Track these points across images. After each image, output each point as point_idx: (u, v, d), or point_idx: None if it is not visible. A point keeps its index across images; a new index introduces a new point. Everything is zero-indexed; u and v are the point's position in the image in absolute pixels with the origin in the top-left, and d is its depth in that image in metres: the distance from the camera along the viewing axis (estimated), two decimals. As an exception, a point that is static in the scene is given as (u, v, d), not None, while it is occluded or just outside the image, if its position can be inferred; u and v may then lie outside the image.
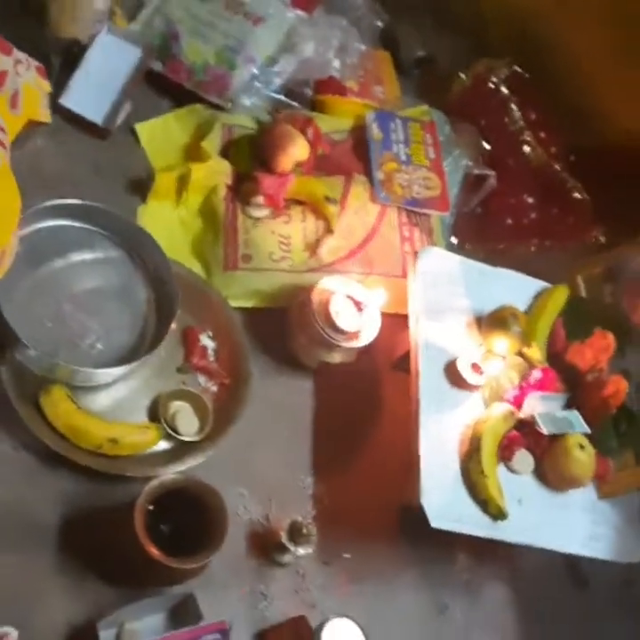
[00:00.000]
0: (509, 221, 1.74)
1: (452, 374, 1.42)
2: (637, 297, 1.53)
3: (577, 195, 1.75)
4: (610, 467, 1.43)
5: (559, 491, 1.42)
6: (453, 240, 1.67)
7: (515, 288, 1.55)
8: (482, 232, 1.72)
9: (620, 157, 1.77)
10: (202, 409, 1.39)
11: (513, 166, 1.75)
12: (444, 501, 1.33)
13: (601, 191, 1.73)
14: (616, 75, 1.72)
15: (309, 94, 1.67)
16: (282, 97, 1.65)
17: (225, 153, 1.57)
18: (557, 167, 1.76)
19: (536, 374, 1.43)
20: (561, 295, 1.54)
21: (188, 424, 1.38)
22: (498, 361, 1.43)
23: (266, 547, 1.36)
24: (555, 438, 1.40)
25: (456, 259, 1.53)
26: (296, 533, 1.33)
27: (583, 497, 1.43)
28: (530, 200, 1.74)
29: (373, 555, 1.44)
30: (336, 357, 1.48)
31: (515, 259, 1.63)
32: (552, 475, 1.41)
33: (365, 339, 1.46)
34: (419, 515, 1.32)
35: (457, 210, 1.67)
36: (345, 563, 1.40)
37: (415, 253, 1.53)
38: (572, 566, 1.52)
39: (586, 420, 1.41)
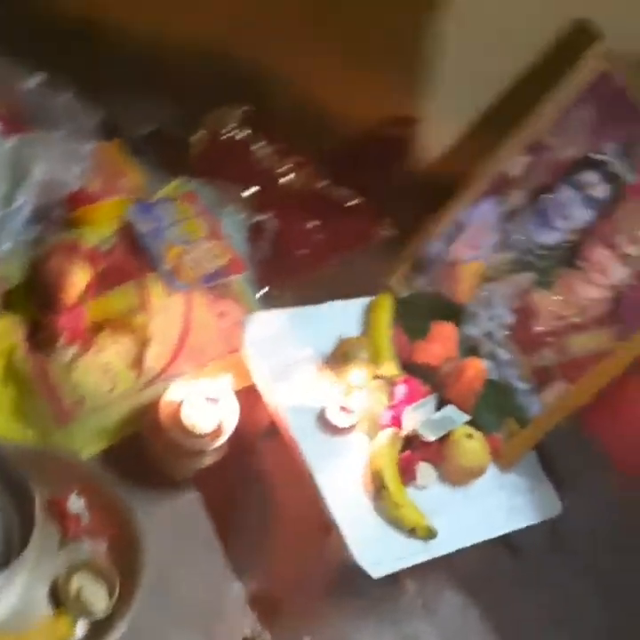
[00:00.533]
0: (301, 251, 1.75)
1: (326, 424, 1.41)
2: (451, 277, 1.57)
3: (351, 202, 1.78)
4: (500, 440, 1.46)
5: (467, 484, 1.44)
6: (262, 293, 1.66)
7: (342, 316, 1.55)
8: (283, 273, 1.71)
9: (374, 151, 1.81)
10: (103, 572, 1.31)
11: (283, 200, 1.75)
12: (374, 549, 1.32)
13: (375, 188, 1.77)
14: (346, 76, 1.75)
15: (63, 214, 1.60)
16: (38, 228, 1.56)
17: (6, 308, 1.48)
18: (322, 184, 1.78)
19: (401, 389, 1.44)
20: (385, 304, 1.56)
21: (96, 594, 1.30)
22: (361, 393, 1.43)
23: (228, 674, 1.31)
24: (443, 440, 1.42)
25: (278, 314, 1.51)
26: (252, 648, 1.29)
27: (490, 478, 1.45)
28: (311, 225, 1.75)
29: (330, 624, 1.41)
30: (208, 460, 1.43)
31: (329, 287, 1.63)
32: (454, 474, 1.43)
33: (229, 429, 1.42)
34: (354, 566, 1.31)
35: (253, 264, 1.65)
36: (309, 647, 1.37)
37: (236, 325, 1.51)
38: (503, 542, 1.54)
39: (460, 409, 1.44)
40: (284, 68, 1.80)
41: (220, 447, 1.43)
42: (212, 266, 1.60)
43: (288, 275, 1.72)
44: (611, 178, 1.47)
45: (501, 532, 1.42)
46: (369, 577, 1.31)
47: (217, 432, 1.41)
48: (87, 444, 1.43)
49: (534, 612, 1.49)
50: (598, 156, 1.48)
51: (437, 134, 1.77)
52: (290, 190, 1.77)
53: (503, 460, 1.46)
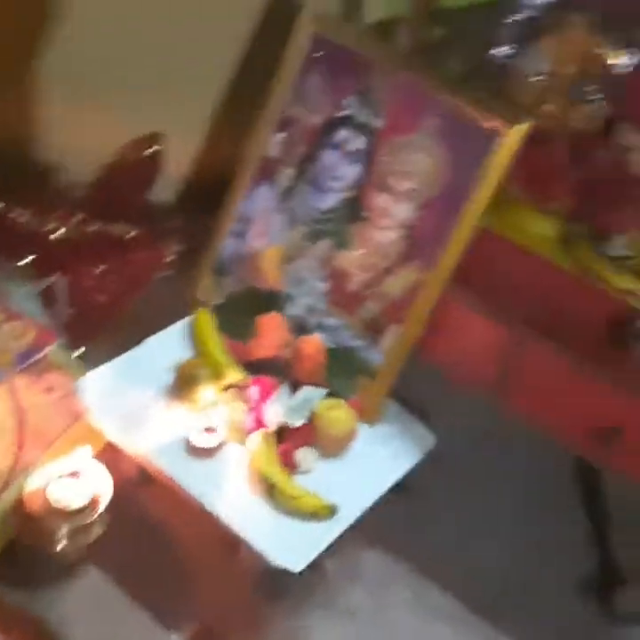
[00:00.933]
0: (100, 299, 1.72)
1: (196, 451, 1.40)
2: (254, 269, 1.58)
3: (129, 234, 1.77)
4: (359, 399, 1.51)
5: (345, 451, 1.48)
6: (81, 353, 1.62)
7: (169, 345, 1.54)
8: (92, 326, 1.68)
9: (129, 176, 1.81)
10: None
11: (63, 256, 1.71)
12: (286, 545, 1.33)
13: (145, 211, 1.76)
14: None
15: None
16: None
17: None
18: (94, 227, 1.75)
19: (253, 390, 1.45)
20: (204, 318, 1.56)
21: None
22: (217, 409, 1.43)
23: None
24: (310, 420, 1.45)
25: (106, 368, 1.49)
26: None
27: (364, 438, 1.49)
28: (99, 269, 1.73)
29: (274, 633, 1.42)
30: (95, 531, 1.39)
31: (144, 323, 1.60)
32: (331, 447, 1.45)
33: (103, 495, 1.39)
34: (274, 569, 1.32)
35: (60, 328, 1.61)
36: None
37: (69, 394, 1.47)
38: (394, 488, 1.59)
39: (314, 385, 1.47)
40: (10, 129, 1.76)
41: (102, 515, 1.40)
42: (19, 346, 1.54)
43: (97, 325, 1.69)
44: (361, 129, 1.53)
45: (393, 481, 1.46)
46: (291, 573, 1.32)
47: (93, 503, 1.38)
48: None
49: (446, 539, 1.56)
50: (343, 113, 1.54)
51: (186, 142, 1.79)
52: (66, 244, 1.74)
53: (368, 416, 1.51)
